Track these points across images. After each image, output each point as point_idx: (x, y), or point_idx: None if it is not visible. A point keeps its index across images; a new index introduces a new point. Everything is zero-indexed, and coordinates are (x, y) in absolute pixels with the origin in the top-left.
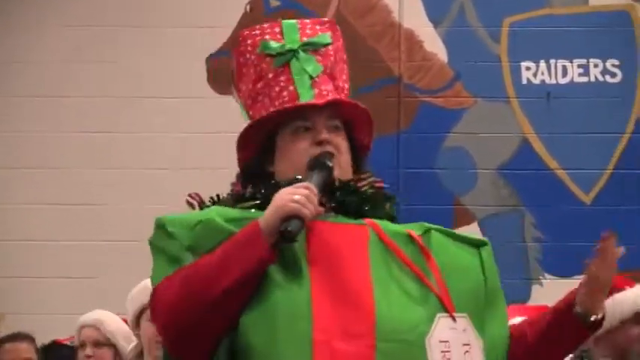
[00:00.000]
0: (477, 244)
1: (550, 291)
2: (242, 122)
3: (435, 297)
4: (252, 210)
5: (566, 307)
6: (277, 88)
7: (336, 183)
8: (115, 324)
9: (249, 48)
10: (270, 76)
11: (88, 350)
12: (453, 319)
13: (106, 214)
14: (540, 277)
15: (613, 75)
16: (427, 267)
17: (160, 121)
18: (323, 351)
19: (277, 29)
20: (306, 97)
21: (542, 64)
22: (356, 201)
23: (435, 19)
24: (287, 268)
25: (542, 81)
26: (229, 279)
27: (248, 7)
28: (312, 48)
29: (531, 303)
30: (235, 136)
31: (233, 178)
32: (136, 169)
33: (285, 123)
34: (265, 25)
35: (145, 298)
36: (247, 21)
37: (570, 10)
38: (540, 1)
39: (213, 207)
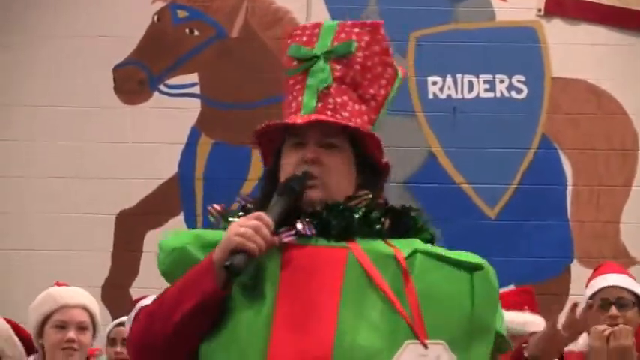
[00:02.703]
0: (470, 268)
1: None
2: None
3: (406, 324)
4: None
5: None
6: (290, 97)
7: (317, 206)
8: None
9: (287, 49)
10: (291, 82)
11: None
12: (425, 345)
13: None
14: None
15: (519, 91)
16: (404, 292)
17: (65, 129)
18: None
19: (317, 31)
20: (308, 110)
21: (449, 78)
22: (343, 222)
23: None
24: (253, 295)
25: (449, 95)
26: (180, 312)
27: (156, 18)
28: (335, 56)
29: None
30: (140, 145)
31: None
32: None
33: (287, 135)
34: (308, 25)
35: (47, 308)
36: (155, 31)
37: (477, 26)
38: (447, 16)
39: (193, 231)
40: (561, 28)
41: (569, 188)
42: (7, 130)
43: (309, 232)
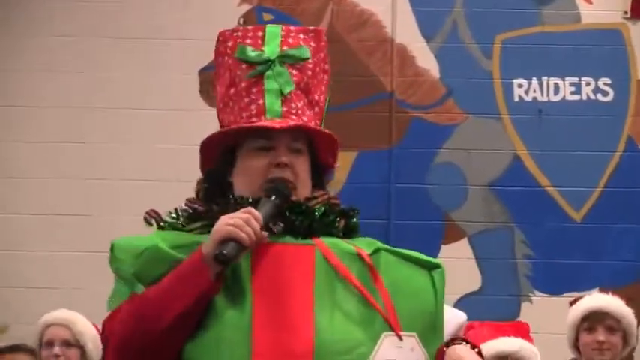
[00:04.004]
0: (429, 266)
1: (539, 308)
2: None
3: (380, 317)
4: (200, 233)
5: None
6: (247, 100)
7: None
8: (85, 325)
9: (228, 50)
10: (243, 85)
11: (57, 349)
12: (400, 337)
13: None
14: (530, 294)
15: (605, 93)
16: (374, 286)
17: (152, 132)
18: None
19: (260, 34)
20: (273, 113)
21: (534, 81)
22: (305, 221)
23: (428, 35)
24: (230, 294)
25: (534, 98)
26: (172, 313)
27: (242, 20)
28: (290, 61)
29: (520, 320)
30: None
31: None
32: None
33: (248, 137)
34: (249, 28)
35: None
36: None
37: (562, 28)
38: (533, 18)
39: (158, 231)
40: None
41: None
42: (93, 134)
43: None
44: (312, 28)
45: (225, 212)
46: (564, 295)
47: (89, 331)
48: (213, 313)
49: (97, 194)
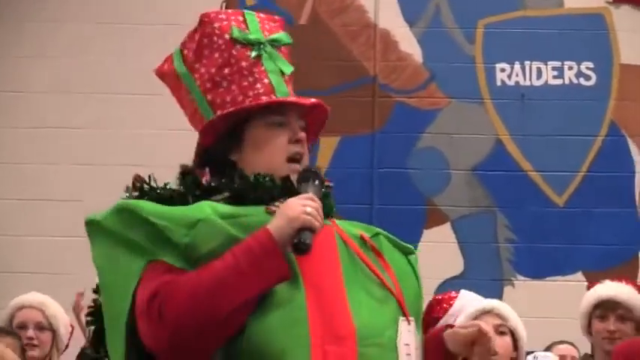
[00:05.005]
0: (406, 252)
1: (522, 292)
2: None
3: (394, 300)
4: (240, 206)
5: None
6: (251, 79)
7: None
8: (57, 309)
9: (216, 31)
10: (244, 64)
11: (31, 332)
12: (409, 322)
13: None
14: (512, 278)
15: (587, 78)
16: (384, 270)
17: (134, 117)
18: (318, 354)
19: (240, 18)
20: (282, 93)
21: (517, 65)
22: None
23: (411, 20)
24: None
25: (517, 82)
26: (246, 296)
27: (224, 5)
28: (278, 44)
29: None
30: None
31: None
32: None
33: (259, 114)
34: (229, 11)
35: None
36: None
37: (545, 13)
38: (515, 3)
39: (203, 201)
40: (630, 15)
41: (638, 175)
42: (78, 119)
43: None
44: (276, 17)
45: (252, 189)
46: (547, 279)
47: (61, 315)
48: (272, 292)
49: (84, 180)
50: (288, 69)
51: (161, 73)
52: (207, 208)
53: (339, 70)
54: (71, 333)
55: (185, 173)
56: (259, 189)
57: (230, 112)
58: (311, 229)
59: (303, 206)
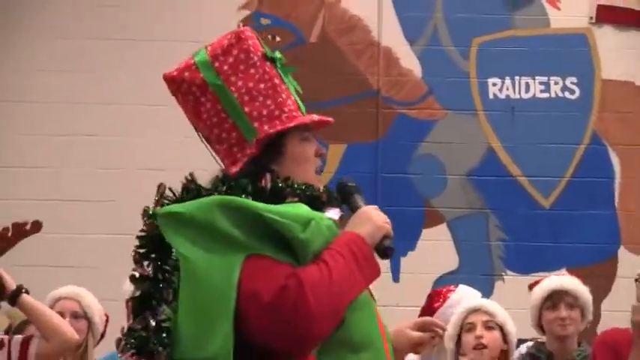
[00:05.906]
0: None
1: (511, 286)
2: None
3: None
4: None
5: None
6: (284, 95)
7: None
8: (92, 300)
9: (251, 48)
10: (277, 81)
11: (67, 320)
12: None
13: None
14: (502, 274)
15: (572, 92)
16: None
17: (164, 127)
18: (385, 346)
19: (254, 35)
20: (303, 110)
21: (507, 80)
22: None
23: (411, 39)
24: None
25: (507, 96)
26: (355, 293)
27: (240, 25)
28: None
29: (494, 298)
30: None
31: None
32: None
33: (296, 130)
34: (251, 29)
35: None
36: None
37: (533, 32)
38: (506, 23)
39: (301, 204)
40: (611, 35)
41: (617, 181)
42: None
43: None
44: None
45: (306, 195)
46: (534, 274)
47: (95, 306)
48: None
49: (110, 183)
50: (299, 88)
51: (180, 79)
52: (307, 209)
53: (345, 84)
54: (106, 322)
55: (236, 177)
56: (314, 197)
57: (289, 127)
58: (391, 237)
59: (380, 216)
